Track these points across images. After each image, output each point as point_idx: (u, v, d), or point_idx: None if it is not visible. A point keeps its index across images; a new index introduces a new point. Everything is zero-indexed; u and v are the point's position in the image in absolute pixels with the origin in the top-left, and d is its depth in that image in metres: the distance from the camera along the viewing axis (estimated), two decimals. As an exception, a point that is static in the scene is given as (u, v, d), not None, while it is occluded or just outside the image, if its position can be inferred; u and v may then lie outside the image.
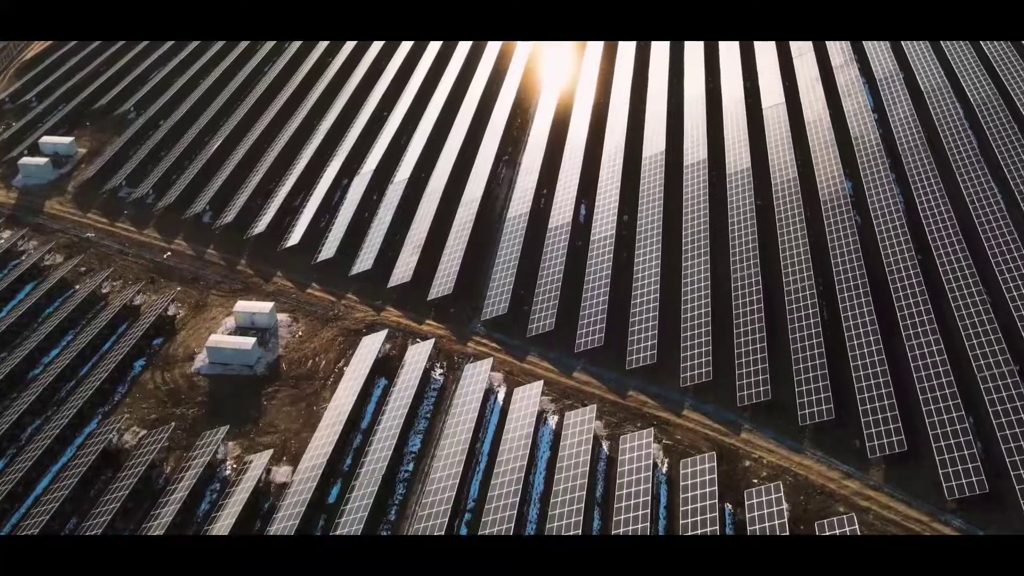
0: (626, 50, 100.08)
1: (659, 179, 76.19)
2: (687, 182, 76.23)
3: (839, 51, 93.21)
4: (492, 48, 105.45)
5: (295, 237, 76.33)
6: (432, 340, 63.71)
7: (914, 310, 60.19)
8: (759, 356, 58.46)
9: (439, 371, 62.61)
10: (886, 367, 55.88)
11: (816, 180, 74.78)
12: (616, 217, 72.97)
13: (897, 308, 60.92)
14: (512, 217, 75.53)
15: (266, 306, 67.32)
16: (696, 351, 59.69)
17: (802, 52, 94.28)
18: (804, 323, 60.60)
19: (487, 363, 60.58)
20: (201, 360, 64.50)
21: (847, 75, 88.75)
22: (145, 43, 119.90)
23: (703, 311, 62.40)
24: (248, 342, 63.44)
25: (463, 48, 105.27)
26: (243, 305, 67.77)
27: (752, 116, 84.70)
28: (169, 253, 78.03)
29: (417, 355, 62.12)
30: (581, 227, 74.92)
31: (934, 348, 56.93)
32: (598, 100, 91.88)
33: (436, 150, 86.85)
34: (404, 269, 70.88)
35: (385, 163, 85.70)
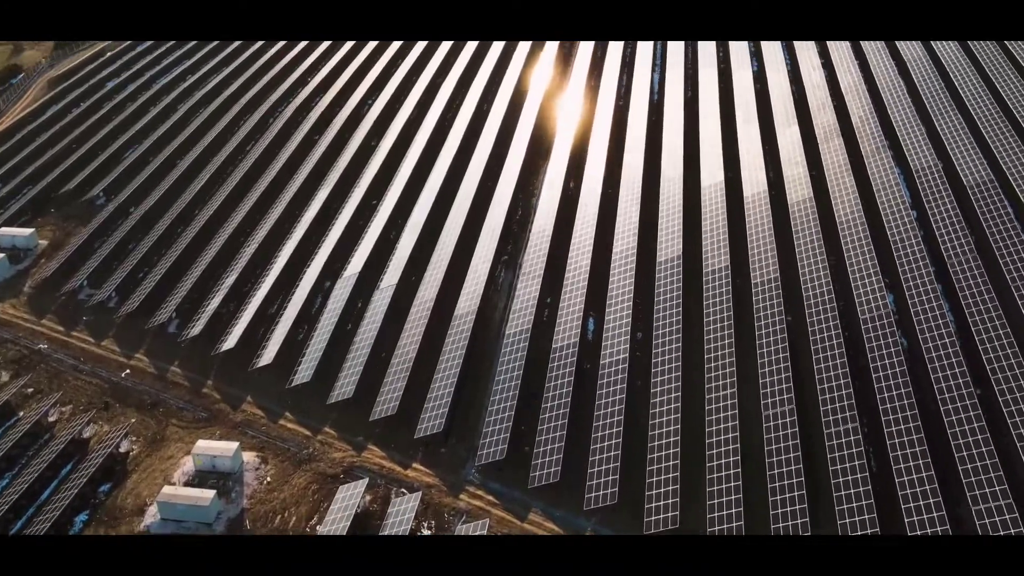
0: (637, 119, 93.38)
1: (676, 289, 68.57)
2: (707, 292, 68.60)
3: (868, 136, 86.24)
4: (493, 119, 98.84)
5: (268, 356, 68.62)
6: (419, 493, 55.66)
7: (978, 464, 52.17)
8: (797, 521, 50.41)
9: (426, 531, 54.53)
10: (948, 531, 47.74)
11: (853, 292, 67.12)
12: (629, 336, 65.21)
13: (959, 460, 52.86)
14: (511, 334, 67.77)
15: (230, 447, 59.36)
16: (722, 510, 51.61)
17: (828, 136, 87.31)
18: (849, 477, 52.55)
19: (483, 526, 52.51)
20: (152, 515, 56.46)
21: (879, 164, 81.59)
22: (122, 117, 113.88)
23: (731, 460, 54.41)
24: (206, 496, 55.42)
25: (461, 122, 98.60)
26: (204, 445, 59.84)
27: (777, 212, 77.39)
28: (128, 372, 70.34)
29: (401, 512, 54.08)
30: (589, 346, 67.20)
31: (1007, 517, 48.84)
32: (607, 188, 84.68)
33: (428, 248, 79.47)
34: (389, 399, 63.03)
35: (372, 264, 78.32)
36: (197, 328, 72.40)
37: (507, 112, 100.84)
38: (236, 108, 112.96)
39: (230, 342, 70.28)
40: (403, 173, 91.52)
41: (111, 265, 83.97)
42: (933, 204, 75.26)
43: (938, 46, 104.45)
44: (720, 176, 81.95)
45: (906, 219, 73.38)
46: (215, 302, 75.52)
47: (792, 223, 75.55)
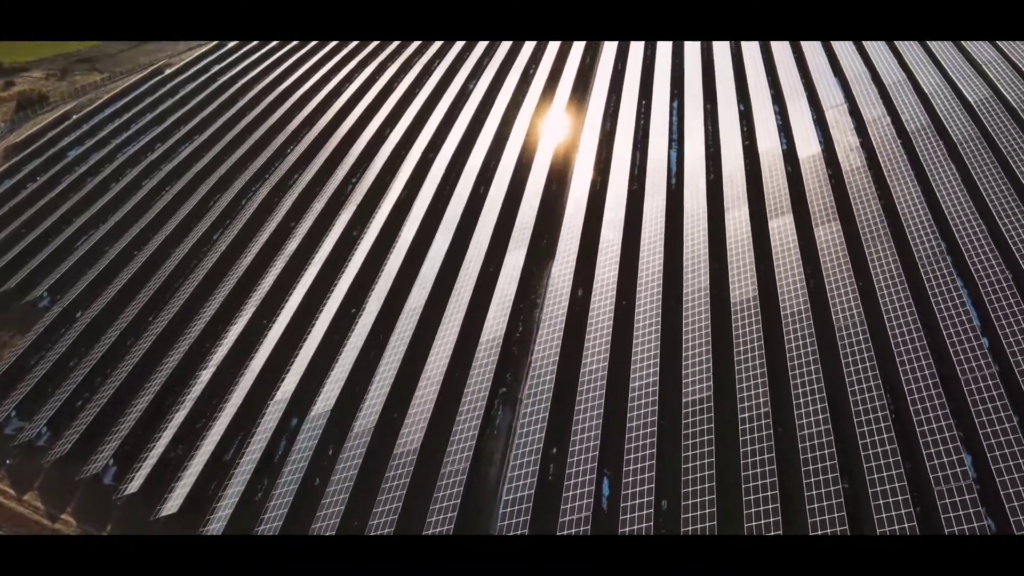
0: (654, 208, 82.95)
1: (708, 444, 57.56)
2: (744, 446, 57.63)
3: (925, 244, 75.78)
4: (489, 211, 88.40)
5: (217, 525, 57.61)
6: None
7: None
8: None
9: None
10: None
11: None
12: (653, 504, 54.17)
13: None
14: (508, 500, 56.72)
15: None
16: None
17: (875, 239, 76.77)
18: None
19: None
20: None
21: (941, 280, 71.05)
22: (80, 195, 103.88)
23: None
24: None
25: (454, 209, 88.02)
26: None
27: (822, 331, 66.70)
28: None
29: None
30: (605, 517, 56.12)
31: None
32: (621, 298, 73.92)
33: (413, 376, 68.59)
34: (359, 594, 51.86)
35: (347, 398, 67.49)
36: (136, 482, 61.48)
37: (505, 201, 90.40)
38: (205, 187, 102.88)
39: (173, 504, 59.34)
40: (388, 272, 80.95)
41: (46, 390, 73.33)
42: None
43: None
44: (752, 290, 71.24)
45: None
46: (163, 441, 64.79)
47: (838, 341, 64.83)
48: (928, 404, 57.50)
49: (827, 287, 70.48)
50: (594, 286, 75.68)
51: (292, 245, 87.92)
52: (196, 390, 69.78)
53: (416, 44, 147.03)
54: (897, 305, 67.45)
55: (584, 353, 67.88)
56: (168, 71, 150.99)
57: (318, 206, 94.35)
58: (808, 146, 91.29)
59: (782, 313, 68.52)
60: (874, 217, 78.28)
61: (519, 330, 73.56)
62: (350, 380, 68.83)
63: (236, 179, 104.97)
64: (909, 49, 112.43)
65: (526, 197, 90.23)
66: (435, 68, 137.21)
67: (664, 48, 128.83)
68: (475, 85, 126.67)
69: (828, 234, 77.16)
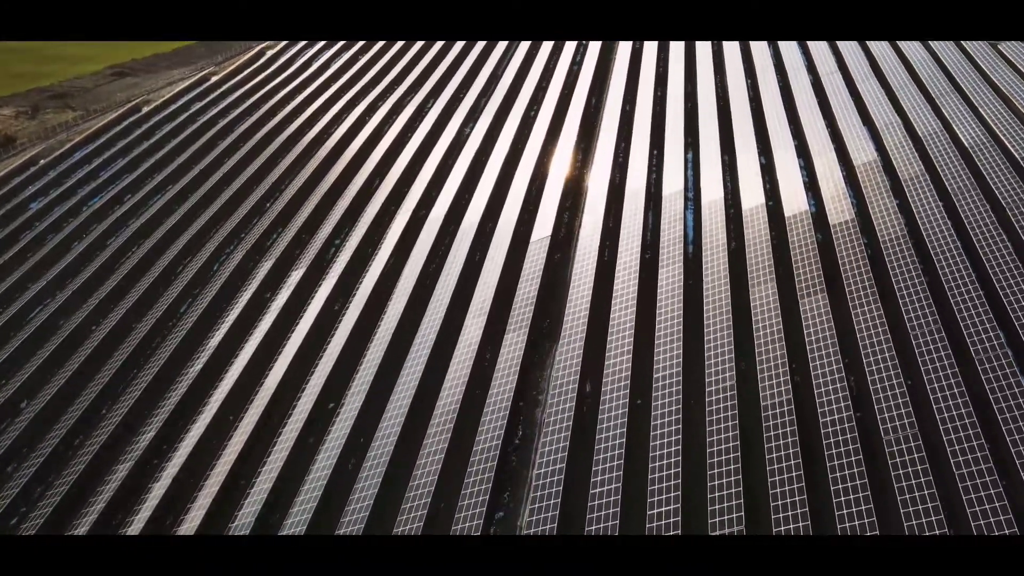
0: (670, 281, 74.89)
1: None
2: None
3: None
4: (480, 301, 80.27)
5: None
6: None
7: None
8: None
9: None
10: None
11: None
12: None
13: None
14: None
15: None
16: None
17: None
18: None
19: None
20: None
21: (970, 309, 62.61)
22: (37, 258, 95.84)
23: None
24: None
25: (440, 299, 79.68)
26: None
27: (868, 460, 58.30)
28: None
29: None
30: None
31: None
32: (634, 399, 65.64)
33: (392, 501, 60.13)
34: None
35: (319, 518, 59.01)
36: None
37: (503, 271, 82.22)
38: (175, 248, 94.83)
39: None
40: (369, 362, 72.62)
41: (-21, 502, 65.00)
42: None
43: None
44: (787, 393, 62.81)
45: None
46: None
47: (888, 460, 56.44)
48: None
49: (870, 387, 62.07)
50: (604, 379, 67.36)
51: (266, 322, 79.71)
52: (156, 493, 61.43)
53: (409, 81, 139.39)
54: (955, 413, 59.04)
55: (594, 471, 59.47)
56: (145, 109, 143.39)
57: (296, 275, 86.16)
58: (840, 209, 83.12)
59: (820, 422, 60.08)
60: (919, 298, 70.00)
61: (519, 435, 65.16)
62: (324, 498, 60.38)
63: (209, 239, 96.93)
64: (945, 96, 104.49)
65: (526, 266, 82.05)
66: (428, 109, 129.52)
67: (676, 83, 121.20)
68: (471, 129, 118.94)
69: (868, 319, 68.85)
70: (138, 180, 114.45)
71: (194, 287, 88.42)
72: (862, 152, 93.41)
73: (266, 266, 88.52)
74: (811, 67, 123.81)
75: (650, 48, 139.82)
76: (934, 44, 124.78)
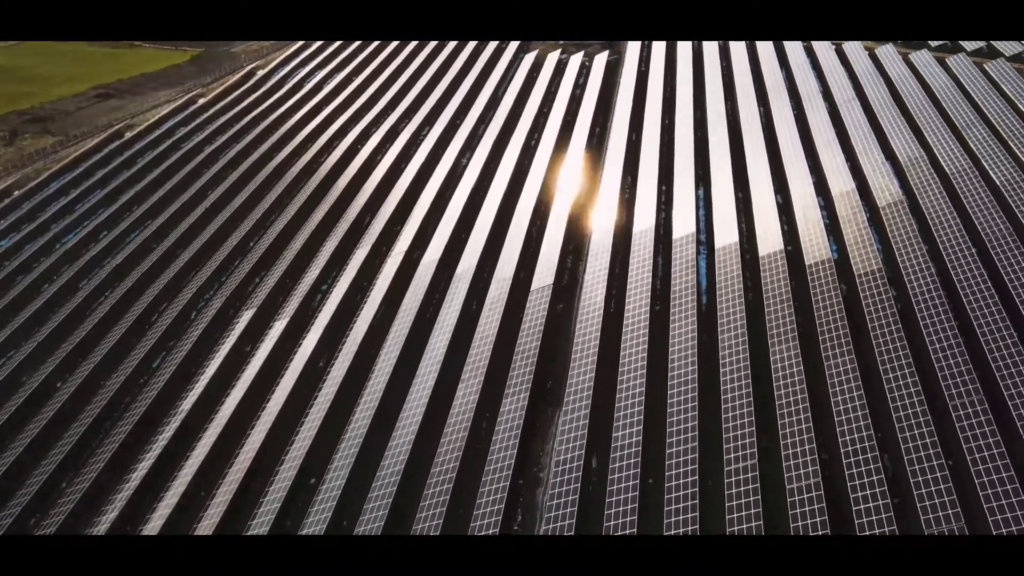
0: (683, 336, 69.40)
1: None
2: None
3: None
4: (471, 379, 74.73)
5: None
6: None
7: None
8: None
9: None
10: None
11: None
12: None
13: None
14: None
15: None
16: None
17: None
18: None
19: None
20: None
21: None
22: (4, 302, 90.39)
23: None
24: None
25: (433, 358, 73.92)
26: None
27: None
28: None
29: None
30: None
31: None
32: (646, 478, 59.95)
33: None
34: None
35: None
36: None
37: (500, 326, 76.68)
38: (151, 293, 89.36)
39: None
40: (355, 431, 66.94)
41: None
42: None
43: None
44: (813, 478, 57.10)
45: None
46: None
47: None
48: None
49: (908, 475, 56.38)
50: (612, 453, 61.71)
51: (245, 379, 74.14)
52: None
53: (403, 106, 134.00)
54: (996, 505, 53.41)
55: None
56: (128, 134, 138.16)
57: (279, 325, 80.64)
58: (864, 257, 77.64)
59: (853, 510, 54.43)
60: (950, 353, 64.48)
61: (518, 520, 59.46)
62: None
63: (188, 283, 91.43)
64: (971, 128, 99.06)
65: (527, 319, 76.53)
66: (424, 137, 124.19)
67: (684, 109, 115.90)
68: (468, 160, 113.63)
69: (898, 382, 63.29)
70: (116, 215, 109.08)
71: (169, 338, 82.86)
72: (886, 192, 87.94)
73: (247, 315, 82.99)
74: (827, 94, 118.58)
75: (656, 69, 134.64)
76: (956, 68, 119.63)
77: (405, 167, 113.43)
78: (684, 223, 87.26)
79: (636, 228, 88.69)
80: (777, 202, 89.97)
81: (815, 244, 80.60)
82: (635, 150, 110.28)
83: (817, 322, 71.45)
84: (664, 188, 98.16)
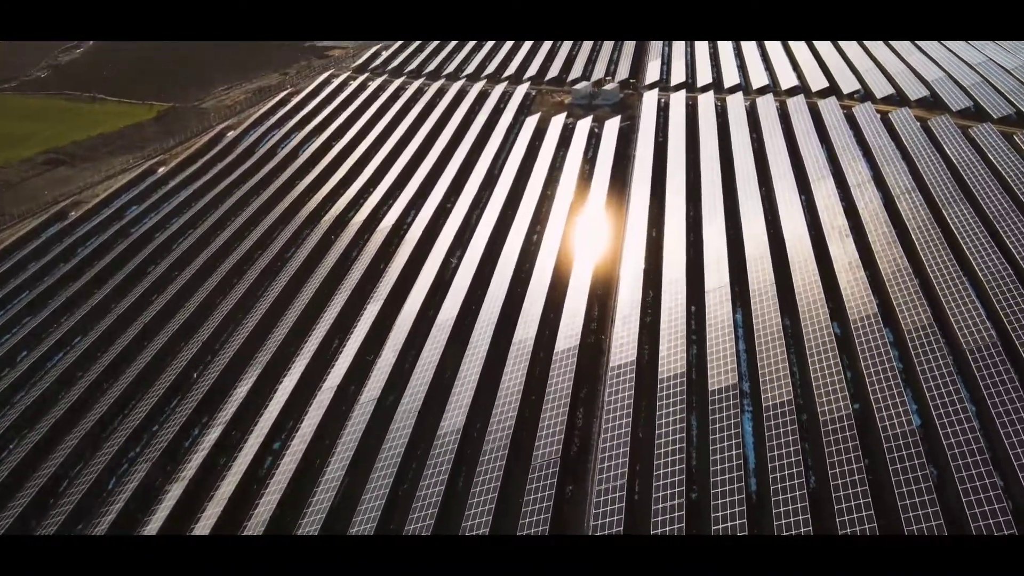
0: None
1: None
2: None
3: None
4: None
5: None
6: None
7: None
8: None
9: None
10: None
11: None
12: None
13: None
14: None
15: None
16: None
17: None
18: None
19: None
20: None
21: None
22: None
23: None
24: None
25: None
26: None
27: None
28: None
29: None
30: None
31: None
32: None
33: None
34: None
35: None
36: None
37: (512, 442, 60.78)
38: (61, 454, 73.63)
39: None
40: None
41: None
42: None
43: None
44: None
45: None
46: None
47: None
48: None
49: None
50: None
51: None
52: None
53: (396, 173, 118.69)
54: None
55: None
56: (73, 215, 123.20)
57: (213, 511, 64.77)
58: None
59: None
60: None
61: None
62: None
63: (107, 441, 75.60)
64: (1009, 227, 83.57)
65: (545, 420, 60.77)
66: (426, 198, 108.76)
67: (710, 150, 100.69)
68: (479, 216, 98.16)
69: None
70: (39, 328, 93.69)
71: (76, 522, 67.02)
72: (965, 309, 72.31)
73: (176, 491, 67.18)
74: (880, 180, 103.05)
75: (676, 135, 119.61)
76: (983, 142, 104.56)
77: (397, 246, 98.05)
78: (718, 313, 71.84)
79: (664, 329, 73.17)
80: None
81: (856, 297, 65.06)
82: (659, 234, 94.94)
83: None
84: (692, 236, 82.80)
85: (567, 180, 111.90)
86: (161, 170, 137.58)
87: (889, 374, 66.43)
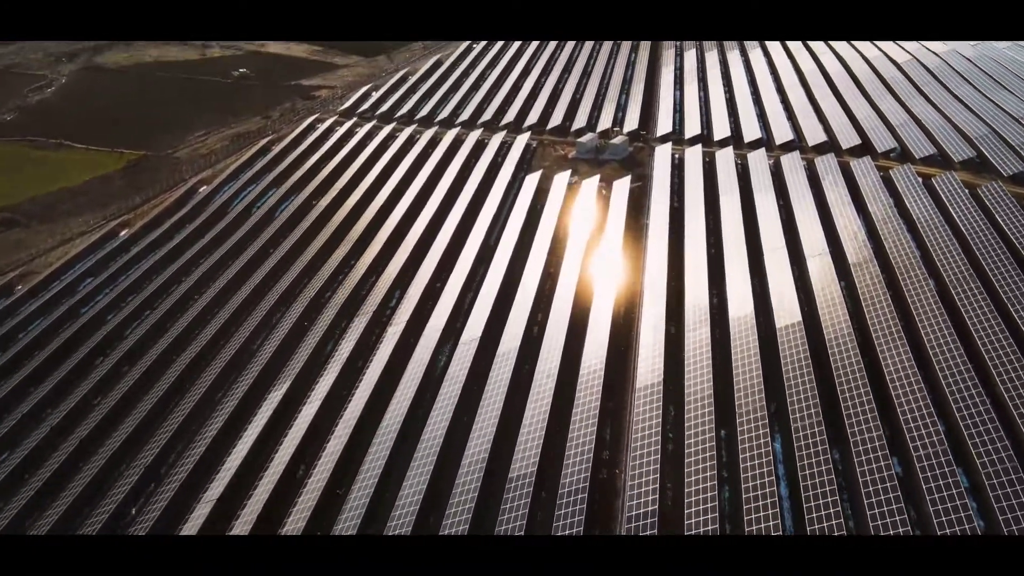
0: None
1: None
2: None
3: None
4: None
5: None
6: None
7: None
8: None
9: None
10: None
11: None
12: None
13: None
14: None
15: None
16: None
17: None
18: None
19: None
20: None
21: None
22: None
23: None
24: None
25: None
26: None
27: None
28: None
29: None
30: None
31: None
32: None
33: None
34: None
35: None
36: None
37: None
38: None
39: None
40: None
41: None
42: None
43: None
44: None
45: None
46: None
47: None
48: None
49: None
50: None
51: None
52: None
53: (387, 233, 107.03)
54: None
55: None
56: (19, 289, 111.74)
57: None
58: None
59: None
60: None
61: None
62: None
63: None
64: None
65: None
66: (413, 275, 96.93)
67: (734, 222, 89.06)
68: (472, 301, 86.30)
69: None
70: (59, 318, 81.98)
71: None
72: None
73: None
74: (928, 264, 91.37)
75: (694, 204, 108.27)
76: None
77: (371, 356, 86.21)
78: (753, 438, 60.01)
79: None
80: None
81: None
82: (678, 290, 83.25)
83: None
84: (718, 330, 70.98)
85: (572, 259, 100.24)
86: (124, 233, 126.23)
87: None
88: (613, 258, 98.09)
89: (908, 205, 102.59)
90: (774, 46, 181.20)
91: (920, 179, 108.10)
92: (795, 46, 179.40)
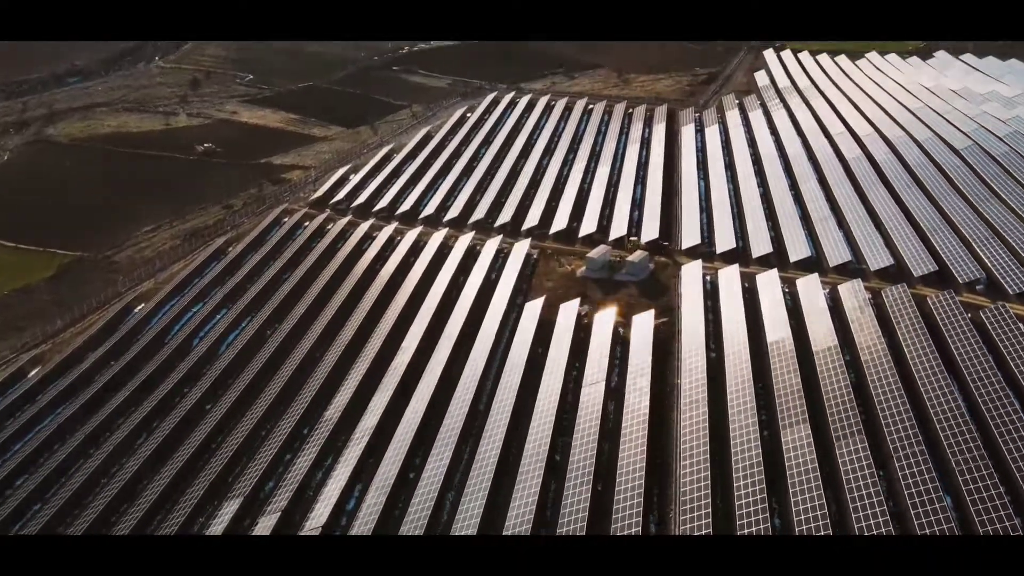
0: None
1: None
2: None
3: None
4: None
5: None
6: None
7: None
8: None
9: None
10: None
11: None
12: None
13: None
14: None
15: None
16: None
17: None
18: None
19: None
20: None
21: None
22: None
23: None
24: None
25: None
26: None
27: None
28: None
29: None
30: None
31: None
32: None
33: None
34: None
35: None
36: None
37: None
38: None
39: None
40: None
41: None
42: None
43: None
44: None
45: None
46: None
47: None
48: None
49: None
50: None
51: None
52: None
53: (349, 393, 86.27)
54: None
55: None
56: None
57: None
58: None
59: None
60: None
61: None
62: None
63: None
64: None
65: None
66: (382, 457, 76.04)
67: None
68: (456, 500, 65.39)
69: None
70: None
71: None
72: None
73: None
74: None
75: (731, 300, 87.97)
76: None
77: None
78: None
79: None
80: None
81: None
82: None
83: None
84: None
85: (584, 434, 79.62)
86: (34, 373, 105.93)
87: None
88: (635, 437, 77.35)
89: (1010, 363, 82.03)
90: (797, 104, 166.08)
91: (1021, 324, 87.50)
92: (823, 110, 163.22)
